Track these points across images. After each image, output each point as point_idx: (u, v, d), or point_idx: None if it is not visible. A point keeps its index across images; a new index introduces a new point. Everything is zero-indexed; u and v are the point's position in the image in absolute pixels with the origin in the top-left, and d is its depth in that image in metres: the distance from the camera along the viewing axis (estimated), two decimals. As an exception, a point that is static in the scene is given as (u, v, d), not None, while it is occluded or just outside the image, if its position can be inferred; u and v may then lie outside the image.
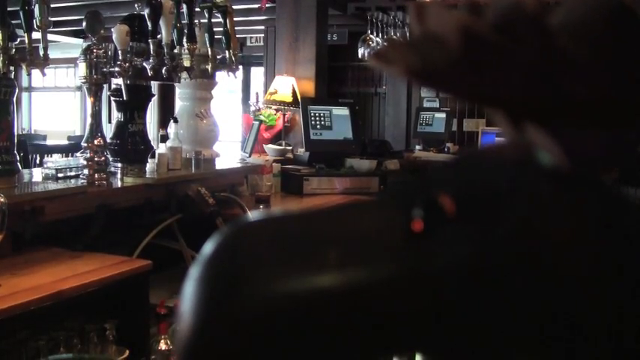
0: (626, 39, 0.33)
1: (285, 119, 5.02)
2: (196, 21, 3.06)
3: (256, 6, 6.00)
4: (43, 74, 2.36)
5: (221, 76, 3.35)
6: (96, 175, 2.55)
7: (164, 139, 3.07)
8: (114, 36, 2.66)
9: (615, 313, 0.37)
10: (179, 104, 3.49)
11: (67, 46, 8.65)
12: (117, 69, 2.65)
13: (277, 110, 5.02)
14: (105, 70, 2.64)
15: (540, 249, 0.37)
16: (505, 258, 0.38)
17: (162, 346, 2.19)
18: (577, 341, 0.38)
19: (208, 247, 0.42)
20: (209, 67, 3.09)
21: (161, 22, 2.80)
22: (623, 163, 0.39)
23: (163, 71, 2.81)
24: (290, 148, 4.76)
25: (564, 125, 0.36)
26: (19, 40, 2.30)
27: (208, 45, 3.08)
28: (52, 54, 2.40)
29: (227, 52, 3.19)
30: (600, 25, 0.33)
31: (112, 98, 2.93)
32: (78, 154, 2.69)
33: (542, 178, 0.39)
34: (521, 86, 0.34)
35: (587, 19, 0.33)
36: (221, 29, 3.18)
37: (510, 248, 0.38)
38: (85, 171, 2.55)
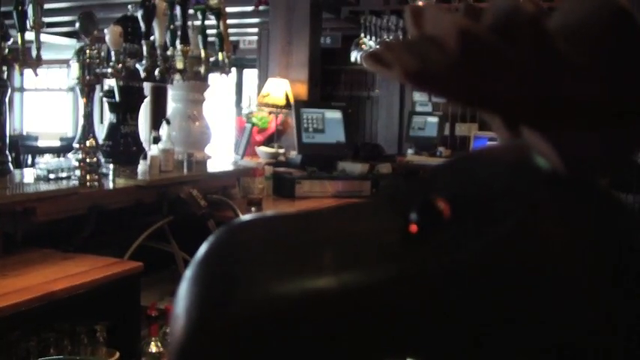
0: (624, 42, 0.33)
1: (278, 122, 5.02)
2: (190, 23, 3.05)
3: (250, 9, 6.00)
4: (36, 74, 2.35)
5: (214, 78, 3.35)
6: (88, 177, 2.54)
7: (156, 140, 3.07)
8: (107, 37, 2.65)
9: (612, 316, 0.37)
10: (171, 106, 3.48)
11: (60, 46, 8.63)
12: (110, 70, 2.64)
13: (270, 113, 5.01)
14: (98, 71, 2.64)
15: (536, 251, 0.37)
16: (502, 260, 0.38)
17: (153, 348, 2.19)
18: (574, 345, 0.38)
19: (203, 247, 0.41)
20: (202, 69, 3.09)
21: (154, 24, 2.79)
22: (620, 166, 0.39)
23: (156, 73, 2.81)
24: (282, 151, 4.76)
25: (561, 128, 0.36)
26: (12, 40, 2.30)
27: (201, 47, 3.08)
28: (45, 54, 2.40)
29: (220, 54, 3.18)
30: (598, 28, 0.33)
31: (104, 99, 2.93)
32: (70, 155, 2.69)
33: (539, 181, 0.39)
34: (519, 88, 0.34)
35: (584, 22, 0.33)
36: (214, 31, 3.18)
37: (507, 251, 0.38)
38: (77, 172, 2.55)
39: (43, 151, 7.14)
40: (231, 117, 7.70)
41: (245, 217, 0.43)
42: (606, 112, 0.35)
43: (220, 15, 3.20)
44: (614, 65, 0.34)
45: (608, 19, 0.33)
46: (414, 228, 0.40)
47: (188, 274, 0.41)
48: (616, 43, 0.33)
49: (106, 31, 2.67)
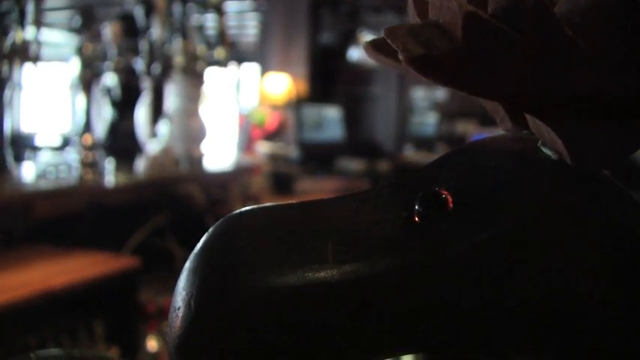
0: (633, 30, 0.32)
1: (277, 119, 5.02)
2: (189, 19, 3.05)
3: (247, 2, 6.00)
4: (35, 71, 2.35)
5: (213, 74, 3.35)
6: (87, 173, 2.54)
7: (155, 137, 3.06)
8: (106, 33, 2.65)
9: (616, 312, 0.37)
10: (170, 102, 3.48)
11: (59, 43, 8.61)
12: (109, 66, 2.64)
13: (269, 110, 5.01)
14: (97, 67, 2.63)
15: (542, 243, 0.37)
16: (506, 252, 0.37)
17: (152, 343, 2.19)
18: (576, 342, 0.37)
19: (202, 239, 0.41)
20: (201, 65, 3.09)
21: (153, 20, 2.79)
22: (624, 161, 0.38)
23: (155, 69, 2.81)
24: (281, 147, 4.76)
25: (568, 119, 0.35)
26: (11, 36, 2.29)
27: (200, 43, 3.08)
28: (45, 51, 2.39)
29: (219, 50, 3.18)
30: (606, 15, 0.33)
31: (103, 96, 2.93)
32: (68, 151, 2.68)
33: (545, 172, 0.38)
34: (525, 77, 0.33)
35: (592, 9, 0.33)
36: (214, 27, 3.18)
37: (512, 242, 0.37)
38: (76, 169, 2.54)
39: (41, 147, 7.13)
40: (234, 113, 7.69)
41: (244, 208, 0.43)
42: (616, 103, 0.34)
43: (220, 11, 3.20)
44: (624, 54, 0.33)
45: (617, 6, 0.32)
46: (416, 219, 0.40)
47: (187, 265, 0.40)
48: (625, 30, 0.33)
49: (105, 27, 2.67)
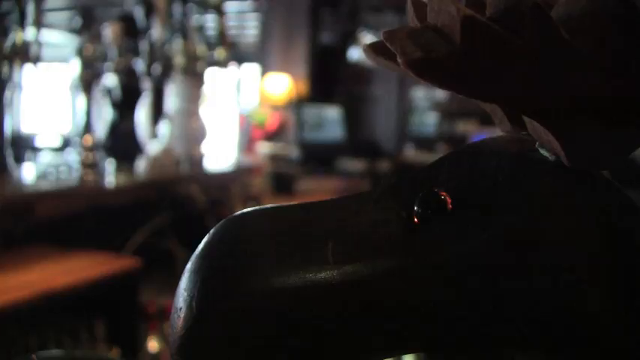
0: (630, 32, 0.33)
1: (278, 119, 5.02)
2: (189, 19, 3.05)
3: (248, 3, 6.00)
4: (36, 72, 2.35)
5: (213, 75, 3.34)
6: (87, 174, 2.54)
7: (155, 137, 3.07)
8: (107, 34, 2.65)
9: (616, 312, 0.37)
10: (170, 103, 3.48)
11: (59, 44, 8.61)
12: (109, 67, 2.64)
13: (270, 110, 5.01)
14: (97, 68, 2.63)
15: (540, 244, 0.37)
16: (505, 253, 0.37)
17: (152, 344, 2.19)
18: (576, 341, 0.37)
19: (204, 240, 0.41)
20: (201, 65, 3.09)
21: (154, 20, 2.79)
22: (622, 162, 0.38)
23: (155, 69, 2.81)
24: (282, 148, 4.76)
25: (566, 121, 0.36)
26: (11, 37, 2.29)
27: (201, 44, 3.08)
28: (45, 51, 2.39)
29: (219, 50, 3.18)
30: (603, 19, 0.33)
31: (103, 96, 2.93)
32: (69, 152, 2.68)
33: (544, 173, 0.38)
34: (524, 79, 0.34)
35: (588, 13, 0.33)
36: (214, 28, 3.18)
37: (511, 243, 0.37)
38: (76, 169, 2.54)
39: (41, 148, 7.12)
40: (235, 114, 7.70)
41: (245, 209, 0.43)
42: (613, 106, 0.34)
43: (220, 11, 3.20)
44: (622, 57, 0.33)
45: (614, 9, 0.32)
46: (416, 220, 0.40)
47: (188, 267, 0.40)
48: (621, 34, 0.33)
49: (105, 27, 2.67)
